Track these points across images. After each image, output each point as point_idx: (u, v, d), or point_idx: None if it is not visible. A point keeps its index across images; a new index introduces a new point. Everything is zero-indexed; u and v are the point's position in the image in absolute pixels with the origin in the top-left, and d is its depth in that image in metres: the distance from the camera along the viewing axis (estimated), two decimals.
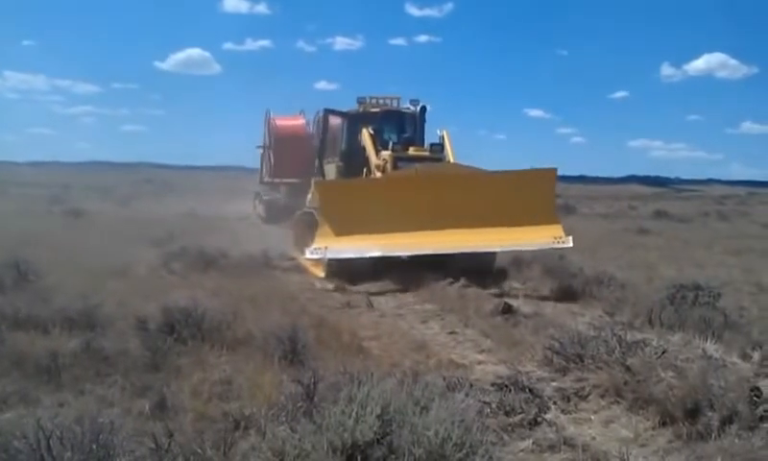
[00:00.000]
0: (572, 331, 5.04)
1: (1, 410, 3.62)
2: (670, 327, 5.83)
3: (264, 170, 18.22)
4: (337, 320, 6.55)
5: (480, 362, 5.23)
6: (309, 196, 12.40)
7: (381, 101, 12.38)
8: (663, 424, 3.73)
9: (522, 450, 3.41)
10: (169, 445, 2.88)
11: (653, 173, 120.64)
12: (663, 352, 4.44)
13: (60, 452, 2.59)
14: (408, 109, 12.18)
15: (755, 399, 3.69)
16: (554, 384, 4.33)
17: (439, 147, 10.68)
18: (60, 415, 3.20)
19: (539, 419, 3.77)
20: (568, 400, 4.13)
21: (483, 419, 3.44)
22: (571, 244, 9.05)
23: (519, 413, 3.78)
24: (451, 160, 10.41)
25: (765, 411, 3.59)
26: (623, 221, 23.61)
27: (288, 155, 16.18)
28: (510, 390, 4.05)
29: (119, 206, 24.44)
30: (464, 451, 2.78)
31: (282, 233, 13.24)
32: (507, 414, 3.77)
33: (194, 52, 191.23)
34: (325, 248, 8.99)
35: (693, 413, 3.67)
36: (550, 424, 3.75)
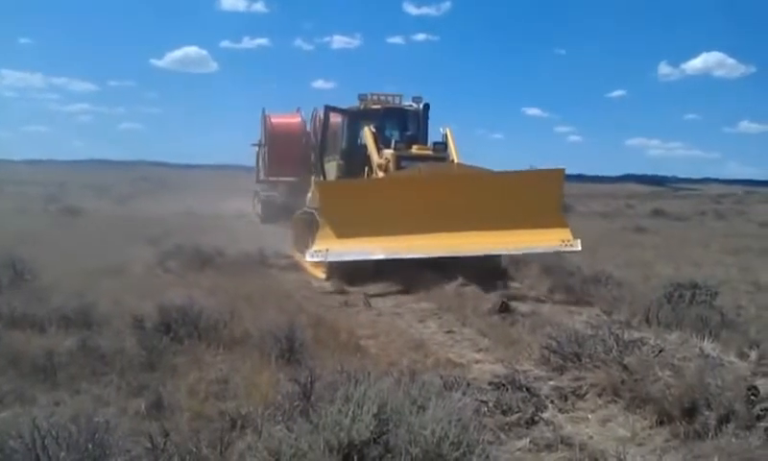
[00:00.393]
0: (569, 330, 5.04)
1: None
2: (667, 325, 5.84)
3: (260, 168, 18.20)
4: (334, 319, 6.54)
5: (477, 361, 5.22)
6: (309, 195, 12.28)
7: (383, 98, 12.01)
8: (660, 422, 3.73)
9: (519, 449, 3.40)
10: (165, 444, 2.87)
11: (650, 172, 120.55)
12: (660, 351, 4.45)
13: (55, 452, 2.58)
14: (411, 106, 11.86)
15: (752, 397, 3.69)
16: (551, 383, 4.33)
17: (442, 146, 10.39)
18: (56, 414, 3.20)
19: (536, 418, 3.76)
20: (565, 399, 4.13)
21: (480, 418, 3.44)
22: (579, 248, 8.72)
23: (516, 412, 3.77)
24: (455, 160, 10.12)
25: (762, 410, 3.59)
26: (620, 220, 23.67)
27: (283, 153, 16.15)
28: (507, 389, 4.05)
29: (116, 205, 24.45)
30: (461, 451, 2.77)
31: (282, 232, 13.22)
32: (504, 413, 3.76)
33: (191, 50, 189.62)
34: (327, 250, 8.74)
35: (690, 412, 3.67)
36: (547, 422, 3.74)
